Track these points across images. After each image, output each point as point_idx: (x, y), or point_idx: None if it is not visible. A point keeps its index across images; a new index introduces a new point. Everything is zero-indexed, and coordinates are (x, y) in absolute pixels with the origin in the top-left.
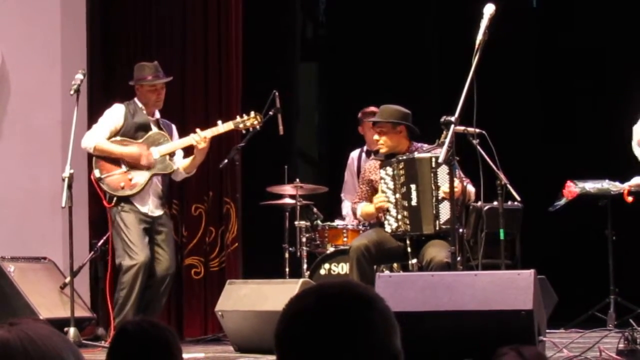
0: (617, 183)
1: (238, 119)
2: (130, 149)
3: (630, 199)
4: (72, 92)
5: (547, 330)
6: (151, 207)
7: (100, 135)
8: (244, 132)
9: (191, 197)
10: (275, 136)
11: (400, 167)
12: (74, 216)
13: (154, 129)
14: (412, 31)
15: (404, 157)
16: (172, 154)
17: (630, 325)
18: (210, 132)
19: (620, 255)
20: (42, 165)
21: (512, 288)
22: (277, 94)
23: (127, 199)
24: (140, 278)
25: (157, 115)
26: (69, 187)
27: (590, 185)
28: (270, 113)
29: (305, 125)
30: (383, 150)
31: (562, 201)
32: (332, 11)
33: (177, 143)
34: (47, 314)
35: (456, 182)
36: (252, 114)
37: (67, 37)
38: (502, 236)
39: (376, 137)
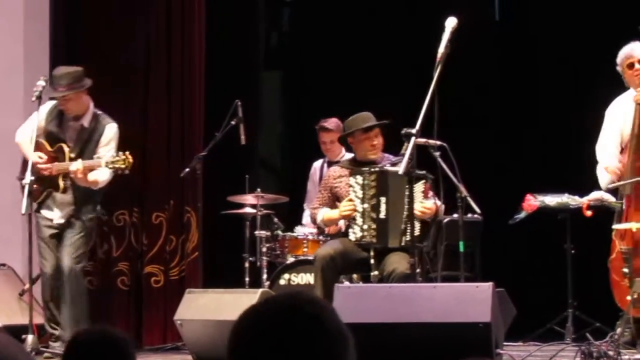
0: (576, 197)
1: (110, 158)
2: (33, 156)
3: (589, 213)
4: (33, 98)
5: (505, 343)
6: (58, 215)
7: (23, 131)
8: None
9: (152, 206)
10: (237, 145)
11: (372, 178)
12: (34, 223)
13: (70, 138)
14: (375, 41)
15: (377, 169)
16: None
17: (588, 339)
18: (88, 164)
19: (579, 269)
20: (2, 171)
21: (471, 300)
22: (239, 103)
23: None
24: (49, 285)
25: (86, 118)
26: (29, 194)
27: (550, 199)
28: (233, 122)
29: (267, 135)
30: (374, 155)
31: (522, 214)
32: (296, 20)
33: (62, 166)
34: (5, 320)
35: (431, 202)
36: (122, 155)
37: (29, 43)
38: (461, 248)
39: (375, 141)
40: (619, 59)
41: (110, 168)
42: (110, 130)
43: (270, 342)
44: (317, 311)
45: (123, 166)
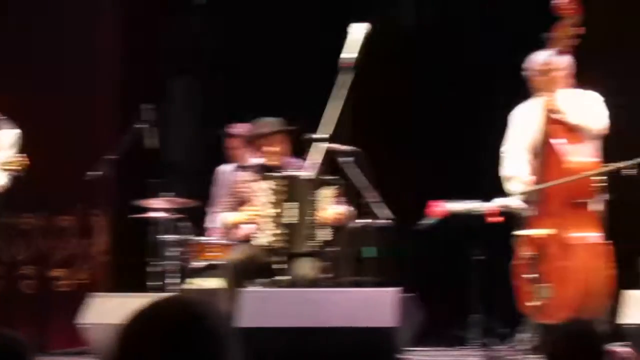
0: (482, 203)
1: (4, 159)
2: None
3: (496, 219)
4: None
5: (412, 348)
6: None
7: None
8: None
9: (59, 208)
10: (146, 149)
11: (283, 183)
12: None
13: None
14: (288, 46)
15: (287, 174)
16: None
17: (493, 344)
18: None
19: (487, 274)
20: None
21: (377, 305)
22: (150, 107)
23: None
24: None
25: None
26: None
27: (456, 205)
28: (139, 126)
29: (178, 139)
30: (276, 161)
31: (431, 220)
32: (209, 25)
33: None
34: None
35: (341, 208)
36: (18, 157)
37: None
38: (371, 254)
39: (278, 147)
40: (529, 65)
41: (4, 170)
42: (11, 136)
43: (151, 342)
44: (199, 315)
45: (18, 168)
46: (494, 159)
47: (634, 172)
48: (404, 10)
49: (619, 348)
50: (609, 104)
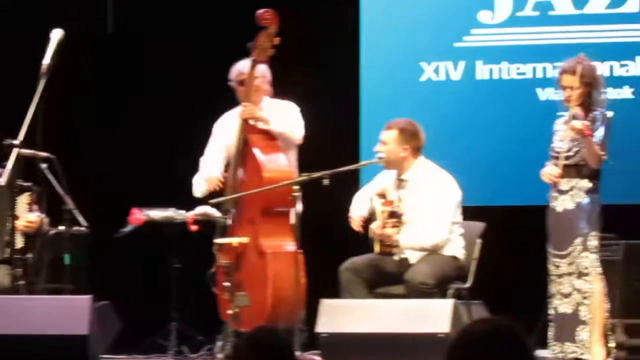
0: (182, 211)
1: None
2: None
3: (194, 227)
4: None
5: (110, 356)
6: None
7: None
8: None
9: None
10: None
11: None
12: None
13: None
14: None
15: None
16: None
17: (191, 352)
18: None
19: (184, 282)
20: None
21: (69, 313)
22: None
23: None
24: None
25: None
26: None
27: (156, 213)
28: None
29: None
30: None
31: (129, 228)
32: None
33: None
34: None
35: (35, 215)
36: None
37: None
38: (67, 261)
39: None
40: (232, 75)
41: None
42: None
43: None
44: None
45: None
46: (196, 168)
47: (327, 182)
48: (100, 17)
49: (309, 356)
50: (304, 114)
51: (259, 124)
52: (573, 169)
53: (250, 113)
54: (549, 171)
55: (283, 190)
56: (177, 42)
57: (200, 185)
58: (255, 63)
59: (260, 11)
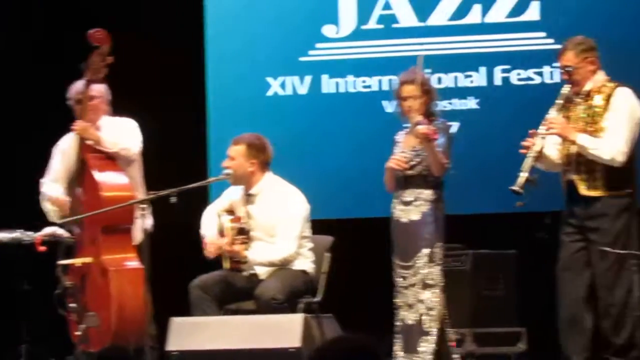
0: (29, 232)
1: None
2: None
3: (42, 248)
4: None
5: None
6: None
7: None
8: None
9: None
10: None
11: None
12: None
13: None
14: None
15: None
16: None
17: None
18: None
19: (34, 303)
20: None
21: None
22: None
23: None
24: None
25: None
26: None
27: (3, 235)
28: None
29: None
30: None
31: None
32: None
33: None
34: None
35: None
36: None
37: None
38: None
39: None
40: (69, 94)
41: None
42: None
43: None
44: None
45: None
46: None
47: (174, 199)
48: None
49: None
50: (152, 131)
51: (92, 143)
52: (416, 179)
53: (81, 130)
54: (397, 157)
55: (123, 209)
56: (26, 61)
57: (46, 208)
58: (89, 83)
59: (92, 31)
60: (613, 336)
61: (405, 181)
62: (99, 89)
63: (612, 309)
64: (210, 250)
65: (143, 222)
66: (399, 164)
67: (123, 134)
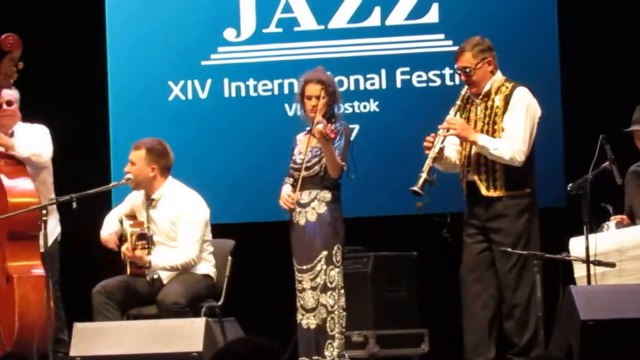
0: None
1: None
2: None
3: None
4: None
5: None
6: None
7: None
8: None
9: None
10: None
11: None
12: None
13: None
14: None
15: None
16: None
17: None
18: None
19: None
20: None
21: None
22: None
23: None
24: None
25: None
26: None
27: None
28: None
29: None
30: None
31: None
32: None
33: None
34: None
35: None
36: None
37: None
38: None
39: None
40: None
41: None
42: None
43: None
44: None
45: None
46: None
47: (75, 205)
48: None
49: None
50: (56, 136)
51: (1, 148)
52: (313, 180)
53: None
54: (285, 195)
55: (29, 215)
56: None
57: None
58: (0, 88)
59: (3, 36)
60: (516, 336)
61: (302, 182)
62: (15, 95)
63: (515, 310)
64: (109, 245)
65: (49, 229)
66: (286, 203)
67: (34, 140)
